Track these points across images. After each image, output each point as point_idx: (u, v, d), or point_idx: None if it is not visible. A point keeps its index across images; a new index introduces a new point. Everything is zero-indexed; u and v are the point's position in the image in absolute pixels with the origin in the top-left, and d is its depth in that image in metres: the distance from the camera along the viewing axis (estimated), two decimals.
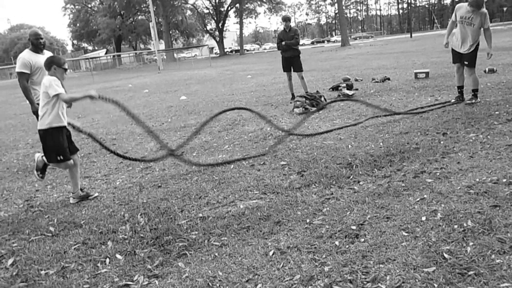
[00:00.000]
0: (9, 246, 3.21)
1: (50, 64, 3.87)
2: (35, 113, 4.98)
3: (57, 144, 3.86)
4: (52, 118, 3.80)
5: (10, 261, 2.95)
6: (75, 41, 77.95)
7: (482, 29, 6.13)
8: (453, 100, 6.66)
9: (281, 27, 10.02)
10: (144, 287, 2.48)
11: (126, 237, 3.16)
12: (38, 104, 4.61)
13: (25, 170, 5.58)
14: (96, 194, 4.25)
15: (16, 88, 29.20)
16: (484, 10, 6.02)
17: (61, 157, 3.88)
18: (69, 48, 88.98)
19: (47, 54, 5.14)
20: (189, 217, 3.41)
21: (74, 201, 4.11)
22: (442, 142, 4.61)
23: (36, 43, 5.12)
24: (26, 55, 5.07)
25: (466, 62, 6.33)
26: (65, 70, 3.96)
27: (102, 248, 3.02)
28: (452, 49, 6.56)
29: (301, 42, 78.83)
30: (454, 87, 7.39)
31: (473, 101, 6.37)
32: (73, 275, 2.69)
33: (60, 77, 3.88)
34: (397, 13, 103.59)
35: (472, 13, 6.05)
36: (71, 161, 3.98)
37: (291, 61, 8.82)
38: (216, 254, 2.77)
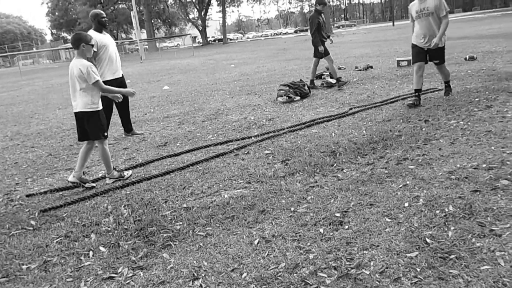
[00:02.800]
0: None
1: (79, 41, 3.93)
2: None
3: (100, 124, 4.07)
4: (88, 101, 3.98)
5: None
6: (54, 31, 76.27)
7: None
8: (409, 102, 5.86)
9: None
10: (129, 279, 2.46)
11: (109, 229, 3.12)
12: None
13: (4, 163, 5.45)
14: (131, 173, 4.40)
15: None
16: None
17: (105, 134, 4.14)
18: (48, 37, 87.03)
19: (106, 33, 5.81)
20: (173, 208, 3.38)
21: (110, 181, 4.21)
22: (424, 129, 4.66)
23: (103, 21, 5.66)
24: (92, 34, 5.39)
25: (436, 61, 5.92)
26: (92, 46, 4.16)
27: (85, 241, 2.98)
28: (414, 46, 5.93)
29: (284, 31, 78.92)
30: (435, 74, 7.46)
31: (450, 93, 6.16)
32: (56, 269, 2.65)
33: (88, 54, 4.05)
34: (379, 1, 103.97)
35: (425, 2, 5.67)
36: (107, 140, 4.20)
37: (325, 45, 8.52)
38: (201, 244, 2.76)
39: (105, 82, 5.39)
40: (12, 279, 2.60)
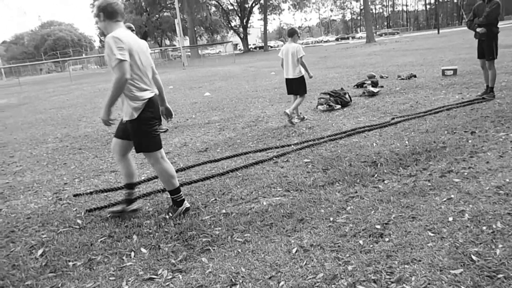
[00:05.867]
0: (39, 237, 3.31)
1: (294, 33, 6.55)
2: None
3: (304, 84, 6.67)
4: (298, 70, 6.52)
5: (39, 252, 3.05)
6: (102, 38, 79.40)
7: None
8: (113, 209, 3.58)
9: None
10: (168, 281, 2.52)
11: (150, 231, 3.21)
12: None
13: (54, 164, 5.73)
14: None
15: (47, 83, 30.00)
16: None
17: (306, 89, 6.82)
18: (97, 44, 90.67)
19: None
20: (212, 213, 3.43)
21: (297, 122, 6.59)
22: (470, 141, 4.49)
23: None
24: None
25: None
26: (299, 37, 6.74)
27: (128, 242, 3.08)
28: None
29: (326, 38, 78.08)
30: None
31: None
32: (100, 267, 2.76)
33: (296, 41, 6.56)
34: (424, 8, 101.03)
35: None
36: None
37: (483, 44, 6.71)
38: (239, 250, 2.78)
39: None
40: (59, 274, 2.72)
